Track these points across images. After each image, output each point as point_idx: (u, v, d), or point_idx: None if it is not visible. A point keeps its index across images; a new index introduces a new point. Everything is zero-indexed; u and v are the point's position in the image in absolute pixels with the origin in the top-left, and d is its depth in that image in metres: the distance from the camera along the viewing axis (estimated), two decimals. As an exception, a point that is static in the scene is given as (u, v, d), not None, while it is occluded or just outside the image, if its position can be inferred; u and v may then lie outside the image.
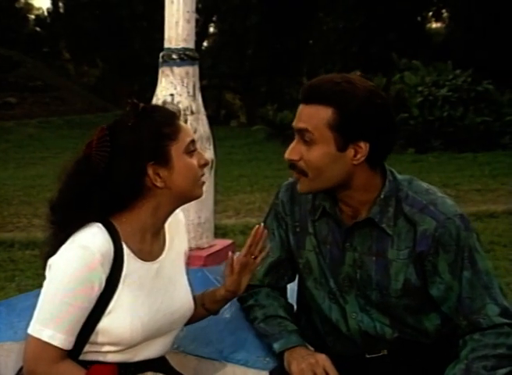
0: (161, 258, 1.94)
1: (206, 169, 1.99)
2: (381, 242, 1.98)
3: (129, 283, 1.83)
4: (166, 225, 1.99)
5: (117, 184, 1.79)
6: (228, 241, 3.54)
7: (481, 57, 18.39)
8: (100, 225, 1.81)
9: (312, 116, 1.91)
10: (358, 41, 21.64)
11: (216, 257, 3.26)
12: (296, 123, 1.95)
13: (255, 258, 2.06)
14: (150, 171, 1.81)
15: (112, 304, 1.81)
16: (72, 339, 1.78)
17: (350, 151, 1.90)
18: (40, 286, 1.82)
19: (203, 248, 3.25)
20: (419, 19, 26.41)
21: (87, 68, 37.57)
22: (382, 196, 1.98)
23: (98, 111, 22.65)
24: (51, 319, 1.75)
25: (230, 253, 2.11)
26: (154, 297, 1.90)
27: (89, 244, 1.75)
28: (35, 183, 12.11)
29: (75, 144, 15.14)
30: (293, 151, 1.95)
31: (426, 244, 1.93)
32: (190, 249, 3.10)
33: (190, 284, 2.07)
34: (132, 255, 1.85)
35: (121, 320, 1.82)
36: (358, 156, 1.91)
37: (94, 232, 1.79)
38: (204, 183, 1.94)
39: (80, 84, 30.53)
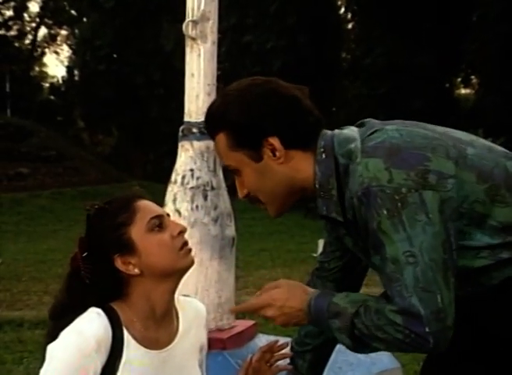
0: (170, 347, 1.94)
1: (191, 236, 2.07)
2: (351, 231, 1.91)
3: (129, 371, 1.84)
4: (182, 314, 2.01)
5: (100, 284, 1.88)
6: (250, 322, 3.52)
7: (513, 124, 18.43)
8: (100, 311, 1.84)
9: (219, 150, 1.94)
10: (383, 109, 21.85)
11: (238, 339, 3.25)
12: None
13: (271, 365, 2.06)
14: (119, 263, 1.87)
15: None
16: None
17: (268, 155, 1.87)
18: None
19: (223, 330, 3.24)
20: (447, 85, 26.65)
21: (101, 137, 38.15)
22: (316, 185, 1.88)
23: (113, 181, 22.88)
24: None
25: (249, 356, 2.09)
26: None
27: (84, 330, 1.79)
28: (46, 258, 12.17)
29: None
30: (239, 188, 1.98)
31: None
32: (210, 331, 3.10)
33: None
34: (133, 341, 1.86)
35: None
36: (277, 154, 1.86)
37: (92, 317, 1.83)
38: (189, 250, 1.93)
39: (94, 154, 30.96)
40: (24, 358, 5.95)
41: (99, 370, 1.79)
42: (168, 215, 1.99)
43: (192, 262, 1.93)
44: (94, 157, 28.91)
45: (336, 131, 1.93)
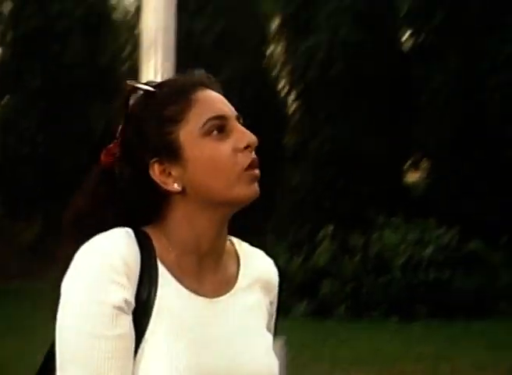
0: (225, 297, 1.54)
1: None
2: None
3: (166, 316, 1.44)
4: (244, 262, 1.63)
5: (128, 195, 1.53)
6: None
7: (468, 212, 18.74)
8: (129, 230, 1.48)
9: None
10: (330, 196, 22.05)
11: None
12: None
13: None
14: (155, 172, 1.51)
15: (144, 343, 1.42)
16: None
17: None
18: None
19: None
20: (398, 170, 27.06)
21: (24, 224, 37.58)
22: None
23: (36, 276, 22.40)
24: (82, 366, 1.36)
25: None
26: (207, 347, 1.47)
27: (106, 246, 1.42)
28: None
29: (8, 322, 14.18)
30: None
31: None
32: None
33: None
34: (174, 280, 1.48)
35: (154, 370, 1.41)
36: None
37: (117, 234, 1.46)
38: (252, 175, 1.52)
39: (15, 245, 30.39)
40: None
41: (133, 303, 1.41)
42: (238, 118, 1.59)
43: (255, 193, 1.53)
44: (14, 248, 28.35)
45: None
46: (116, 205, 1.53)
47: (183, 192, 1.49)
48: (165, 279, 1.46)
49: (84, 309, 1.37)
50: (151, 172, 1.50)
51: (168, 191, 1.50)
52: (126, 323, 1.38)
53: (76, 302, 1.38)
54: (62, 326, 1.40)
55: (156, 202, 1.52)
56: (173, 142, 1.49)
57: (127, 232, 1.46)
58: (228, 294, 1.54)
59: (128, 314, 1.39)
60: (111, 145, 1.58)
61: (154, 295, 1.43)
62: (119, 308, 1.37)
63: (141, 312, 1.41)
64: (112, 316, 1.37)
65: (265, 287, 1.64)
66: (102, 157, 1.58)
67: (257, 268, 1.63)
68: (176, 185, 1.49)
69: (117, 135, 1.57)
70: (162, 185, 1.49)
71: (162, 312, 1.43)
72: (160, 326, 1.42)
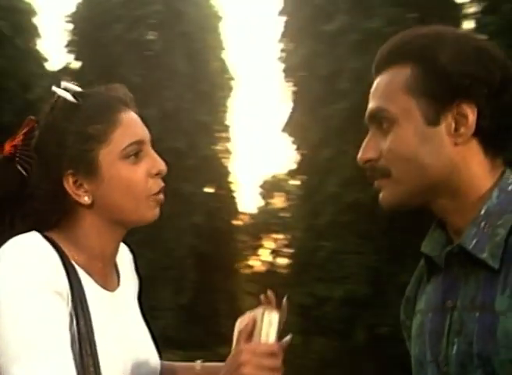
0: (118, 290, 1.70)
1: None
2: (488, 287, 1.41)
3: (95, 309, 1.57)
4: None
5: (36, 198, 1.59)
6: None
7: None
8: (36, 233, 1.55)
9: (384, 88, 1.49)
10: None
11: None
12: (368, 108, 1.53)
13: None
14: (68, 181, 1.58)
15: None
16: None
17: (448, 123, 1.43)
18: None
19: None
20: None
21: None
22: (482, 211, 1.43)
23: None
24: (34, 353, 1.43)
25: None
26: (112, 332, 1.61)
27: (30, 243, 1.51)
28: None
29: None
30: (369, 147, 1.50)
31: None
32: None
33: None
34: (88, 276, 1.60)
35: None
36: (462, 129, 1.43)
37: (37, 237, 1.53)
38: (158, 201, 1.64)
39: None
40: None
41: (69, 291, 1.51)
42: (151, 141, 1.68)
43: (155, 217, 1.65)
44: None
45: None
46: (19, 207, 1.61)
47: (91, 206, 1.59)
48: (83, 275, 1.57)
49: (36, 296, 1.46)
50: (64, 182, 1.57)
51: (78, 202, 1.59)
52: (63, 305, 1.50)
53: (9, 295, 1.46)
54: (15, 315, 1.45)
55: (65, 209, 1.60)
56: (92, 159, 1.57)
57: (39, 235, 1.54)
58: (119, 287, 1.70)
59: (65, 296, 1.50)
60: (17, 138, 1.63)
61: (82, 290, 1.54)
62: (55, 286, 1.48)
63: (78, 302, 1.53)
64: (57, 302, 1.48)
65: (132, 276, 1.83)
66: (6, 148, 1.63)
67: (123, 258, 1.79)
68: (86, 198, 1.58)
69: (25, 131, 1.63)
70: (73, 196, 1.58)
71: (90, 302, 1.56)
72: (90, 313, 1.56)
